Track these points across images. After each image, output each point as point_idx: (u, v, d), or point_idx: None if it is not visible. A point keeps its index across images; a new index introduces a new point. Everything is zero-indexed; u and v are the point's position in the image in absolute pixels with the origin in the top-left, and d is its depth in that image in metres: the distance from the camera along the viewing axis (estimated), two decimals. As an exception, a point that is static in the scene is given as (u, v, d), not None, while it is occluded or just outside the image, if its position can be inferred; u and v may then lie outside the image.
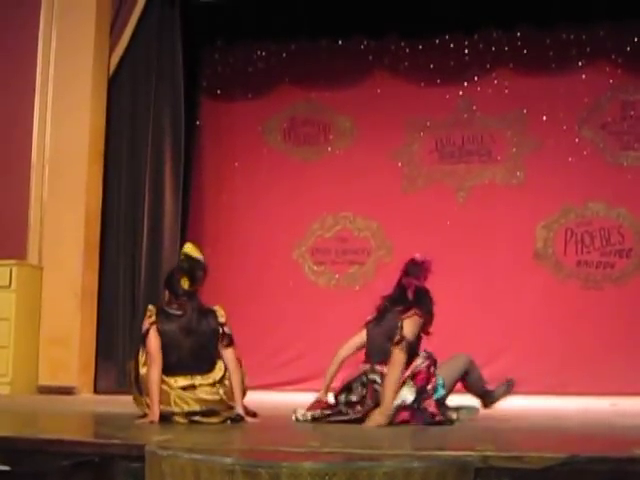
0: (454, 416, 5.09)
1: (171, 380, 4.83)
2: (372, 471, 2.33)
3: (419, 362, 5.02)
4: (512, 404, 5.66)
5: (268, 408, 5.55)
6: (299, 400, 6.10)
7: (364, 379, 5.11)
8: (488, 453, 2.97)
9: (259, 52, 10.25)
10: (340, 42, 10.03)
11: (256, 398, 6.28)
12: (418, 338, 5.17)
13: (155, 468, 2.63)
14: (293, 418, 5.09)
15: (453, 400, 5.44)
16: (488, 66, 9.76)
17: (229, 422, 4.86)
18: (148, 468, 2.71)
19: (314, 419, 5.07)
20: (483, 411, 5.68)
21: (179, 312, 5.01)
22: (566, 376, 8.87)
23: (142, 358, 4.92)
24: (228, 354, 5.08)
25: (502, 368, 8.16)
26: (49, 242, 8.08)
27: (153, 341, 4.86)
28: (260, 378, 9.45)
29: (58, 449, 3.22)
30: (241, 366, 5.13)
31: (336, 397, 5.22)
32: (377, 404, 4.93)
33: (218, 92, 10.38)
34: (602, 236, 9.39)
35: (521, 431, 4.76)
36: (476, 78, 9.80)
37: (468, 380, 5.57)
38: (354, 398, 5.10)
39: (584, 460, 2.91)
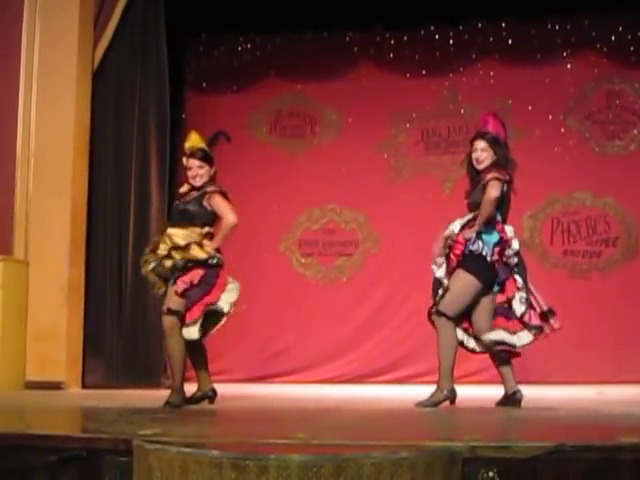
0: None
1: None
2: (360, 462, 2.34)
3: None
4: (497, 394, 5.66)
5: (256, 400, 5.55)
6: (287, 392, 6.11)
7: None
8: (475, 443, 2.98)
9: (244, 45, 10.24)
10: (325, 34, 10.02)
11: (244, 390, 6.29)
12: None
13: (143, 462, 2.63)
14: None
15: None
16: (473, 57, 9.77)
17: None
18: (136, 462, 2.71)
19: None
20: (469, 401, 5.70)
21: None
22: (553, 365, 8.89)
23: None
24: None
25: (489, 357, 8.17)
26: (35, 237, 8.04)
27: None
28: (248, 370, 9.47)
29: (45, 444, 3.21)
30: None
31: None
32: None
33: (203, 85, 10.36)
34: (588, 225, 9.42)
35: (508, 420, 4.77)
36: (461, 69, 9.81)
37: None
38: None
39: (571, 449, 2.92)
